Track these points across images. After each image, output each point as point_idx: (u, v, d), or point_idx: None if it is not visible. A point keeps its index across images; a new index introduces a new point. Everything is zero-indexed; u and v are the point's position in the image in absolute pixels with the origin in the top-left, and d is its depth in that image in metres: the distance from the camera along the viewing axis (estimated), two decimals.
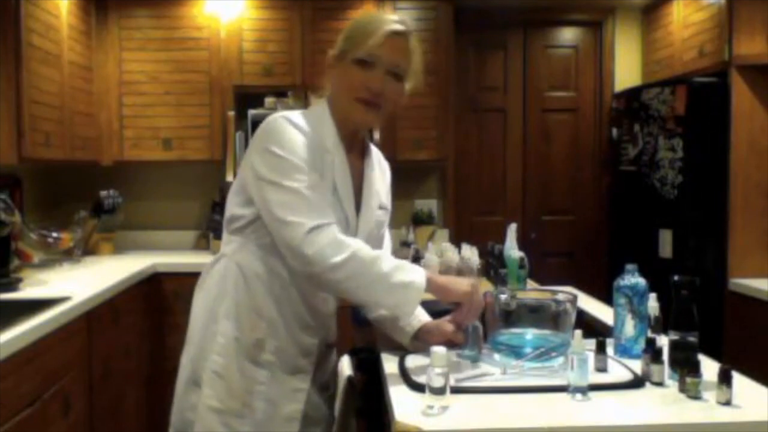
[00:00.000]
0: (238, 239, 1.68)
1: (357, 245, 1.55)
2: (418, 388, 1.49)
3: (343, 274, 1.53)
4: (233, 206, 1.70)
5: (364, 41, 1.60)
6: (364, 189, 1.73)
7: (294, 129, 1.60)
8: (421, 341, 1.74)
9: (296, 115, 1.64)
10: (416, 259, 2.76)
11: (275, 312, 1.65)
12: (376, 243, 1.75)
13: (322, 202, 1.57)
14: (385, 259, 1.57)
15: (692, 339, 1.55)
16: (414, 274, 1.57)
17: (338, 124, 1.67)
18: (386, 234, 1.88)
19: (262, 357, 1.64)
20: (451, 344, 1.65)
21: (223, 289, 1.68)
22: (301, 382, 1.69)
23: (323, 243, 1.52)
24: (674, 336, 1.56)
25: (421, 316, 1.78)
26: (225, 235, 1.74)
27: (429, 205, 4.18)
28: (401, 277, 1.56)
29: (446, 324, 1.73)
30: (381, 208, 1.79)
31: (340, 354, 2.19)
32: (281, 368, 1.65)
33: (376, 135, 3.80)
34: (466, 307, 1.64)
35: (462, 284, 1.66)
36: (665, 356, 1.58)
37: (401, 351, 1.78)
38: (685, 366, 1.49)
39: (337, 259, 1.52)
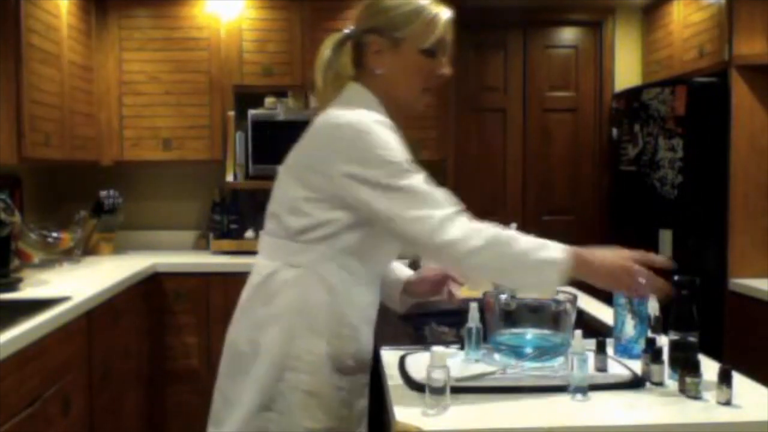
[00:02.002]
0: (318, 248, 1.56)
1: (492, 228, 1.52)
2: (418, 388, 1.49)
3: (484, 257, 1.48)
4: (315, 211, 1.56)
5: (431, 31, 1.59)
6: None
7: (383, 127, 1.54)
8: (410, 294, 1.76)
9: (372, 113, 1.56)
10: (416, 259, 2.75)
11: (357, 316, 1.60)
12: None
13: (439, 193, 1.53)
14: (522, 237, 1.52)
15: (692, 339, 1.55)
16: (556, 251, 1.50)
17: (391, 113, 1.62)
18: None
19: (345, 363, 1.58)
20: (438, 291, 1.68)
21: (305, 304, 1.56)
22: (365, 376, 1.65)
23: (459, 230, 1.48)
24: (674, 336, 1.56)
25: (400, 272, 1.80)
26: (292, 244, 1.58)
27: None
28: (543, 254, 1.49)
29: (431, 271, 1.73)
30: None
31: None
32: (356, 368, 1.61)
33: None
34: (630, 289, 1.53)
35: (616, 261, 1.51)
36: (665, 356, 1.58)
37: (401, 351, 1.78)
38: (685, 366, 1.49)
39: (476, 243, 1.47)
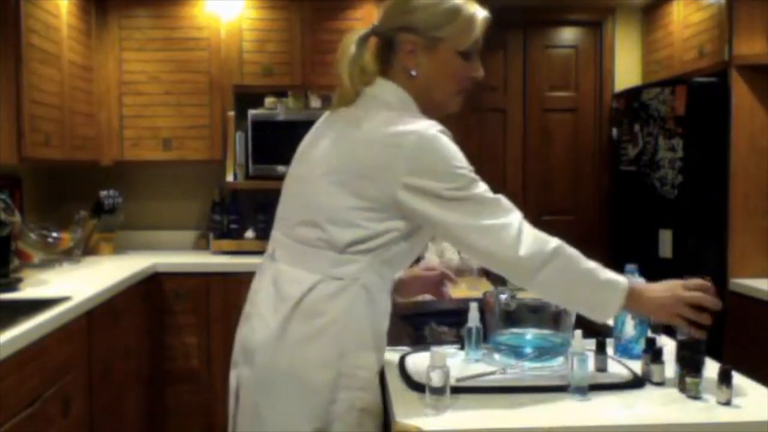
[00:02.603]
0: (365, 258, 1.49)
1: (556, 239, 1.49)
2: (418, 388, 1.48)
3: (554, 273, 1.46)
4: (371, 223, 1.48)
5: (469, 32, 1.56)
6: None
7: (447, 137, 1.51)
8: (400, 294, 1.72)
9: (433, 122, 1.52)
10: (416, 259, 2.75)
11: (385, 324, 1.58)
12: None
13: (506, 201, 1.50)
14: (581, 255, 1.50)
15: (701, 338, 1.55)
16: (614, 274, 1.49)
17: (426, 114, 1.57)
18: None
19: (372, 374, 1.55)
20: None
21: (351, 317, 1.49)
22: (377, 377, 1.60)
23: (531, 243, 1.45)
24: (681, 336, 1.56)
25: None
26: (337, 256, 1.50)
27: None
28: (609, 275, 1.47)
29: (425, 270, 1.70)
30: None
31: None
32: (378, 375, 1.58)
33: None
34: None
35: (667, 291, 1.50)
36: (666, 356, 1.58)
37: (401, 351, 1.78)
38: (692, 365, 1.48)
39: (546, 257, 1.45)
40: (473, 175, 1.50)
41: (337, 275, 1.49)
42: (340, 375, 1.47)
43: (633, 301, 1.48)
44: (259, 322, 1.54)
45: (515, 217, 1.47)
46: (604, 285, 1.48)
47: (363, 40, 1.57)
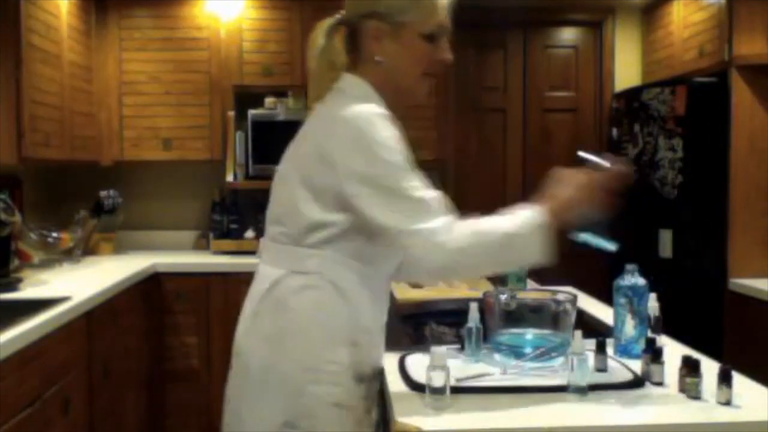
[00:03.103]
0: (324, 252, 1.47)
1: (467, 224, 1.46)
2: (418, 388, 1.49)
3: (473, 257, 1.44)
4: (314, 212, 1.47)
5: (433, 15, 1.53)
6: None
7: (386, 122, 1.46)
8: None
9: (373, 105, 1.49)
10: None
11: (371, 321, 1.54)
12: None
13: (433, 201, 1.46)
14: (499, 220, 1.50)
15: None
16: (528, 214, 1.49)
17: (390, 103, 1.54)
18: None
19: (364, 371, 1.52)
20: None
21: (321, 312, 1.48)
22: (378, 383, 1.60)
23: (449, 240, 1.42)
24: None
25: None
26: (297, 249, 1.50)
27: None
28: (519, 224, 1.48)
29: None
30: None
31: None
32: (373, 375, 1.56)
33: None
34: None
35: (577, 187, 1.53)
36: (665, 356, 1.58)
37: (401, 351, 1.78)
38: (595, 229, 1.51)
39: (461, 244, 1.42)
40: (405, 164, 1.46)
41: (301, 269, 1.49)
42: (307, 369, 1.46)
43: (556, 221, 1.49)
44: (240, 321, 1.60)
45: (435, 221, 1.43)
46: (525, 237, 1.47)
47: (331, 31, 1.56)
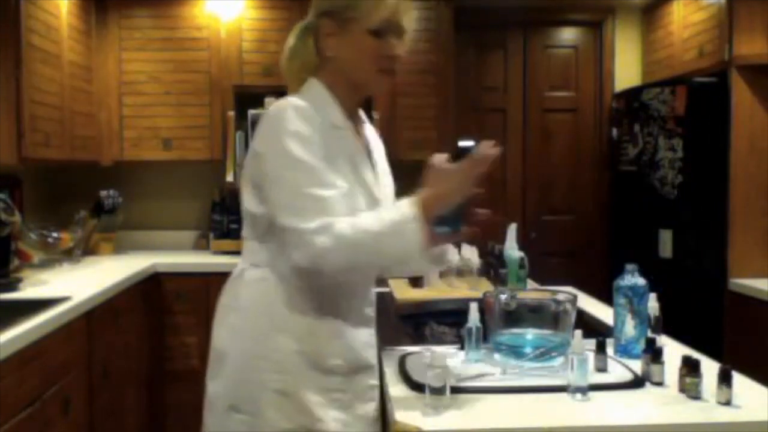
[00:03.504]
0: (271, 245, 1.54)
1: (339, 223, 1.42)
2: (418, 388, 1.49)
3: (338, 255, 1.42)
4: (252, 205, 1.57)
5: (378, 10, 1.51)
6: (375, 158, 1.68)
7: (303, 114, 1.49)
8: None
9: (300, 101, 1.52)
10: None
11: (334, 314, 1.55)
12: None
13: (320, 198, 1.45)
14: (366, 216, 1.46)
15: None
16: (400, 209, 1.43)
17: (344, 98, 1.59)
18: None
19: (330, 363, 1.53)
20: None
21: (267, 302, 1.54)
22: (370, 378, 1.61)
23: (325, 244, 1.42)
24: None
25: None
26: (249, 242, 1.61)
27: None
28: (389, 219, 1.42)
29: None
30: (389, 175, 1.74)
31: None
32: (350, 368, 1.56)
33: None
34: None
35: (449, 179, 1.47)
36: (665, 356, 1.58)
37: (401, 351, 1.78)
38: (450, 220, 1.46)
39: (324, 244, 1.40)
40: (307, 158, 1.45)
41: (256, 262, 1.58)
42: (254, 356, 1.53)
43: (427, 214, 1.43)
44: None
45: (315, 221, 1.42)
46: (395, 235, 1.41)
47: (303, 32, 1.61)
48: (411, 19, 1.58)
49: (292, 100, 1.52)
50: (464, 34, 4.29)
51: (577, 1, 4.48)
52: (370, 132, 1.74)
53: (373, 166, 1.66)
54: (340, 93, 1.59)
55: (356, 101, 1.64)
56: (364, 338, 1.61)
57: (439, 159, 1.50)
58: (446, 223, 1.46)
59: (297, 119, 1.48)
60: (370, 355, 1.62)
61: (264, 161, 1.49)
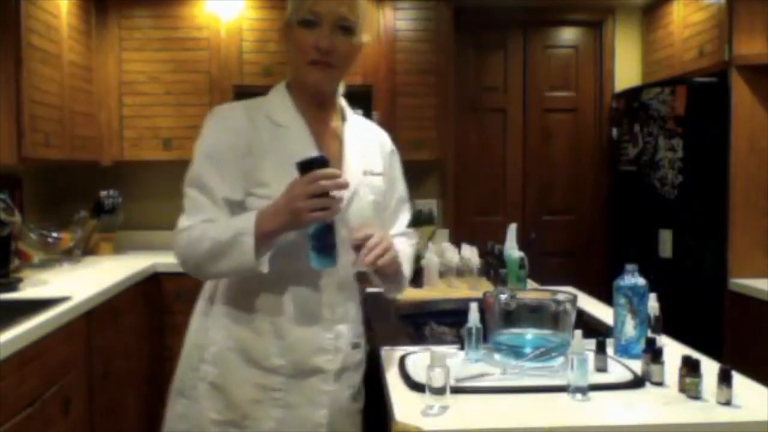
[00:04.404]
0: None
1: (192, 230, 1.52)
2: (418, 388, 1.49)
3: (189, 262, 1.54)
4: None
5: (301, 1, 1.54)
6: (344, 152, 1.63)
7: (222, 114, 1.62)
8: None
9: (238, 103, 1.65)
10: (416, 259, 2.76)
11: (278, 309, 1.54)
12: (372, 212, 1.63)
13: (194, 199, 1.55)
14: (217, 224, 1.50)
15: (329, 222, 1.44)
16: (242, 222, 1.46)
17: (299, 96, 1.63)
18: (403, 208, 1.78)
19: (269, 361, 1.54)
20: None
21: (214, 293, 1.61)
22: (322, 383, 1.57)
23: (174, 246, 1.55)
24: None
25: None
26: None
27: (429, 205, 4.18)
28: (230, 231, 1.45)
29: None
30: (371, 173, 1.66)
31: None
32: (295, 370, 1.55)
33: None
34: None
35: (283, 204, 1.42)
36: (665, 356, 1.58)
37: (401, 351, 1.78)
38: (321, 246, 1.45)
39: (178, 253, 1.55)
40: (205, 159, 1.57)
41: None
42: (196, 346, 1.62)
43: (260, 227, 1.43)
44: None
45: (184, 221, 1.55)
46: (233, 245, 1.45)
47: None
48: (351, 10, 1.54)
49: (220, 107, 1.67)
50: (464, 34, 4.29)
51: (577, 1, 4.48)
52: (355, 129, 1.70)
53: (336, 163, 1.57)
54: (296, 92, 1.64)
55: (309, 98, 1.62)
56: (315, 342, 1.56)
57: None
58: (316, 248, 1.44)
59: (210, 122, 1.62)
60: (323, 360, 1.57)
61: None
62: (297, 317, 1.56)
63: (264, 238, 1.44)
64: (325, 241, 1.44)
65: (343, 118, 1.70)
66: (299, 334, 1.56)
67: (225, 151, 1.55)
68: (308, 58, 1.54)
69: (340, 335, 1.60)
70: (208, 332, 1.60)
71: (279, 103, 1.62)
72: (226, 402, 1.56)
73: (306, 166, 1.41)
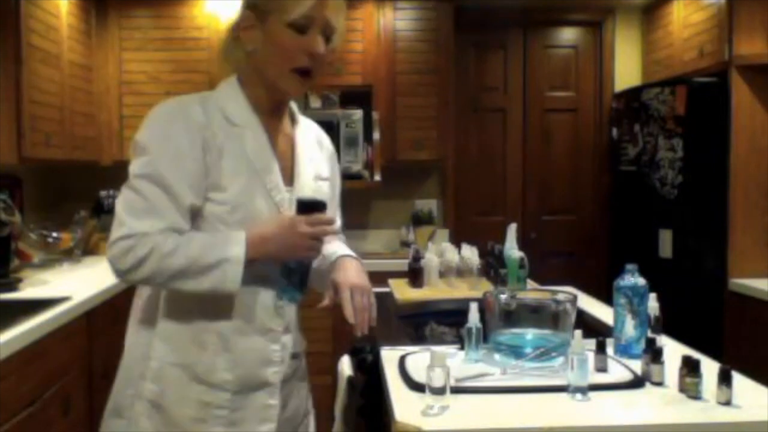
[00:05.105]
0: None
1: (158, 239, 1.36)
2: (418, 388, 1.49)
3: (146, 272, 1.37)
4: None
5: (297, 3, 1.41)
6: (297, 157, 1.55)
7: (168, 115, 1.47)
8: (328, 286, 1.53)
9: (191, 96, 1.52)
10: (416, 259, 2.76)
11: (219, 323, 1.44)
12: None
13: (129, 211, 1.41)
14: (194, 240, 1.38)
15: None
16: (231, 247, 1.37)
17: (257, 95, 1.50)
18: (339, 212, 1.71)
19: (215, 377, 1.44)
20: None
21: (152, 307, 1.49)
22: (269, 397, 1.49)
23: (120, 249, 1.37)
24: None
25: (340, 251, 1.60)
26: None
27: (429, 205, 4.18)
28: (215, 254, 1.37)
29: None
30: (320, 179, 1.60)
31: (339, 354, 2.19)
32: (242, 385, 1.46)
33: (376, 135, 3.79)
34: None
35: (279, 225, 1.40)
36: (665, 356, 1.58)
37: (401, 351, 1.78)
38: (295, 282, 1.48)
39: (132, 260, 1.36)
40: (141, 168, 1.46)
41: None
42: (134, 362, 1.49)
43: (258, 254, 1.39)
44: None
45: (139, 221, 1.38)
46: (213, 266, 1.37)
47: (234, 29, 1.52)
48: (337, 17, 1.47)
49: (169, 100, 1.50)
50: (464, 34, 4.28)
51: (577, 1, 4.48)
52: (306, 133, 1.63)
53: (289, 168, 1.53)
54: (253, 91, 1.51)
55: (271, 101, 1.51)
56: (262, 354, 1.48)
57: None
58: (294, 282, 1.50)
59: (170, 116, 1.47)
60: (269, 372, 1.49)
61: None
62: (243, 328, 1.46)
63: (248, 265, 1.38)
64: (302, 277, 1.51)
65: (293, 120, 1.62)
66: (247, 346, 1.46)
67: (189, 150, 1.41)
68: (294, 64, 1.43)
69: (285, 346, 1.52)
70: (148, 347, 1.47)
71: (233, 100, 1.51)
72: (166, 421, 1.44)
73: (309, 207, 1.44)
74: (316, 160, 1.61)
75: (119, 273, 1.41)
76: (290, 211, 1.47)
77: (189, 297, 1.43)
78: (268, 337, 1.48)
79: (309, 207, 1.44)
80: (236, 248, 1.37)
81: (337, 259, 1.56)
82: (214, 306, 1.44)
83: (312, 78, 1.47)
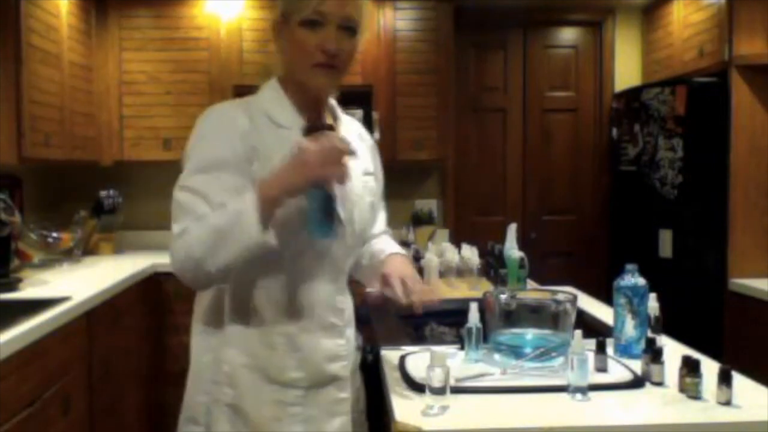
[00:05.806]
0: None
1: (191, 230, 1.40)
2: (418, 388, 1.49)
3: (195, 259, 1.37)
4: None
5: (306, 0, 1.45)
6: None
7: (223, 114, 1.49)
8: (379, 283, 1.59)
9: (236, 103, 1.53)
10: (416, 259, 2.76)
11: (287, 322, 1.47)
12: (370, 213, 1.62)
13: (188, 202, 1.44)
14: (213, 214, 1.39)
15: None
16: (243, 199, 1.36)
17: (296, 96, 1.54)
18: (382, 206, 1.75)
19: (287, 376, 1.47)
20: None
21: (218, 311, 1.50)
22: (339, 391, 1.52)
23: (172, 257, 1.43)
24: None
25: (388, 249, 1.65)
26: None
27: (429, 205, 4.18)
28: (232, 209, 1.36)
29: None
30: (367, 174, 1.63)
31: None
32: (313, 381, 1.49)
33: (376, 135, 3.79)
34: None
35: (288, 163, 1.36)
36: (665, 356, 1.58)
37: (401, 351, 1.78)
38: (323, 214, 1.42)
39: (182, 257, 1.40)
40: (205, 160, 1.45)
41: None
42: (206, 369, 1.50)
43: (268, 198, 1.35)
44: None
45: (179, 225, 1.44)
46: (237, 224, 1.35)
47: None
48: (357, 10, 1.48)
49: (216, 105, 1.53)
50: (464, 34, 4.29)
51: (577, 1, 4.48)
52: (351, 132, 1.64)
53: None
54: (291, 92, 1.55)
55: (308, 99, 1.54)
56: (328, 350, 1.51)
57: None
58: (318, 217, 1.40)
59: (212, 125, 1.48)
60: (337, 367, 1.52)
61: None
62: (307, 326, 1.49)
63: (266, 204, 1.34)
64: (327, 211, 1.42)
65: (335, 117, 1.65)
66: (313, 343, 1.50)
67: (229, 160, 1.43)
68: (312, 60, 1.46)
69: (349, 340, 1.57)
70: (218, 352, 1.49)
71: (276, 102, 1.53)
72: (247, 422, 1.47)
73: (315, 130, 1.41)
74: (361, 155, 1.61)
75: (181, 276, 1.42)
76: (342, 209, 1.49)
77: (251, 297, 1.46)
78: (332, 333, 1.52)
79: (314, 130, 1.42)
80: (247, 196, 1.35)
81: (385, 258, 1.63)
82: (276, 306, 1.47)
83: (337, 71, 1.49)
